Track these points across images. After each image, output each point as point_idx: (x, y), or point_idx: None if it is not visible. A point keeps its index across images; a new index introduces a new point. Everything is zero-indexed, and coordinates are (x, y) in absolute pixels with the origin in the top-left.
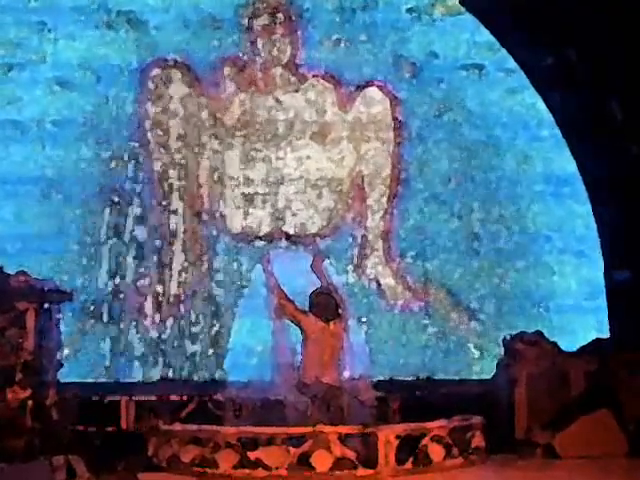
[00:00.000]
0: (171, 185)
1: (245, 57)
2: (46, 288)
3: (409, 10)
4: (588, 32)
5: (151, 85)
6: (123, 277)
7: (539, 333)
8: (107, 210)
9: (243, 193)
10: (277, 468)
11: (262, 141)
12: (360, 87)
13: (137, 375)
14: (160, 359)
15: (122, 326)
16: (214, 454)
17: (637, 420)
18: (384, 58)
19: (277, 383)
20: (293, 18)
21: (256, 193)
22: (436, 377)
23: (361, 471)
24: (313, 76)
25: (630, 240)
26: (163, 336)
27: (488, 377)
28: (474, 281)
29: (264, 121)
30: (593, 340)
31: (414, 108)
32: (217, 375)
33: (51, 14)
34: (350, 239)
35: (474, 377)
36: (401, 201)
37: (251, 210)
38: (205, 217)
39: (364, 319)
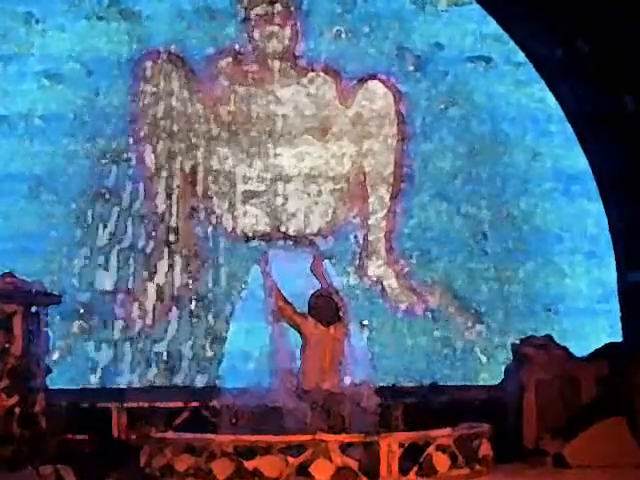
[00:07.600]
0: (164, 182)
1: (242, 49)
2: (34, 290)
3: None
4: (600, 23)
5: (144, 78)
6: (114, 279)
7: (549, 337)
8: (98, 208)
9: (239, 191)
10: (275, 478)
11: (259, 137)
12: (362, 80)
13: (129, 381)
14: (153, 364)
15: (113, 330)
16: (209, 463)
17: None
18: (387, 50)
19: (275, 389)
20: (292, 8)
21: (253, 191)
22: (441, 383)
23: None
24: (313, 69)
25: None
26: (156, 340)
27: (496, 383)
28: (481, 283)
29: (261, 116)
30: (605, 344)
31: (418, 102)
32: (213, 381)
33: (39, 4)
34: (351, 239)
35: (481, 383)
36: (405, 199)
37: (248, 208)
38: (200, 216)
39: (366, 322)
